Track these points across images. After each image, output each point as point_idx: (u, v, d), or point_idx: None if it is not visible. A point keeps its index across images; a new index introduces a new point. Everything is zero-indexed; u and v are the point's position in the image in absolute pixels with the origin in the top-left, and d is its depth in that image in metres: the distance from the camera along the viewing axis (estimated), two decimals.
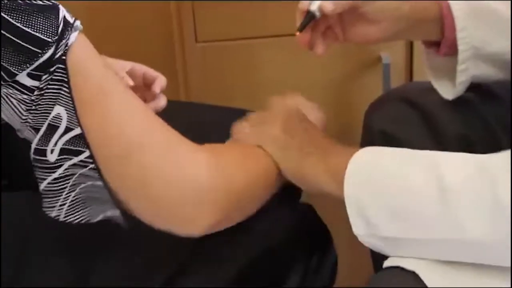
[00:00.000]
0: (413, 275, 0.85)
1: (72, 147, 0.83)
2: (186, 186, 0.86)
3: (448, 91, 1.10)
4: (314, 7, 1.02)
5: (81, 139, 0.83)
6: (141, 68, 1.14)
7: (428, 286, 0.83)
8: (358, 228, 0.88)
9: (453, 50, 1.05)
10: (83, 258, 0.94)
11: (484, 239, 0.79)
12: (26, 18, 0.78)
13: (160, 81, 1.14)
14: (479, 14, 1.03)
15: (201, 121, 1.17)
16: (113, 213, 0.87)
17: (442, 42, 1.06)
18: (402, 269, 0.86)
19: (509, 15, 1.03)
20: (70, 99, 0.81)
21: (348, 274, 1.40)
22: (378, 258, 0.93)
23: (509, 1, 1.03)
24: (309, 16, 1.02)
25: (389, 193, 0.86)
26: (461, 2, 1.03)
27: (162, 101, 1.13)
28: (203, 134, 1.10)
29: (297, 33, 1.03)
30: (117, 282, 0.94)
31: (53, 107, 0.81)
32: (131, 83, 1.09)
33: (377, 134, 1.20)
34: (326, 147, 0.97)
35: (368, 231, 0.88)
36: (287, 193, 1.21)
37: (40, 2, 0.79)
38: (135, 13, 1.65)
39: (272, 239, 1.02)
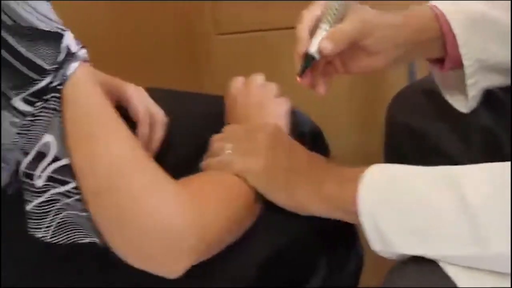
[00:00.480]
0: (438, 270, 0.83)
1: (59, 176, 0.82)
2: (161, 233, 0.84)
3: (462, 104, 1.07)
4: (313, 49, 0.96)
5: (69, 170, 0.82)
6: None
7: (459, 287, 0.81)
8: (376, 245, 0.86)
9: (459, 64, 1.03)
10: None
11: (509, 253, 0.78)
12: (28, 43, 0.77)
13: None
14: (478, 26, 1.01)
15: (221, 114, 1.16)
16: (98, 241, 0.86)
17: (446, 59, 1.03)
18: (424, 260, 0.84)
19: (508, 22, 1.00)
20: (61, 129, 0.80)
21: (373, 271, 1.38)
22: None
23: (507, 7, 1.01)
24: (309, 59, 0.97)
25: (408, 212, 0.83)
26: (459, 16, 1.01)
27: (157, 134, 1.12)
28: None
29: (298, 78, 0.98)
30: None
31: (43, 135, 0.81)
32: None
33: (401, 127, 1.18)
34: (316, 173, 0.93)
35: (387, 249, 0.85)
36: None
37: (45, 28, 0.78)
38: (157, 9, 1.65)
39: (294, 234, 1.01)
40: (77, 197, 0.83)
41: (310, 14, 0.97)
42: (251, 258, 0.98)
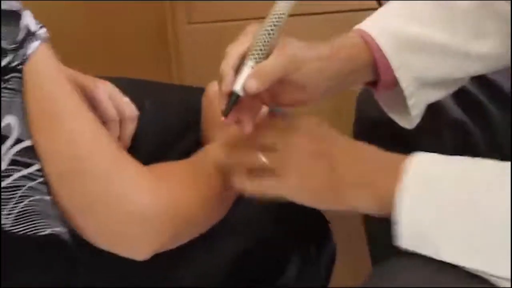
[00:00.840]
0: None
1: (22, 159, 0.81)
2: (128, 213, 0.84)
3: (404, 120, 1.05)
4: (237, 87, 0.90)
5: (32, 151, 0.81)
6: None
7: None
8: (407, 244, 0.82)
9: (393, 85, 1.01)
10: (66, 261, 0.92)
11: None
12: None
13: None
14: (411, 46, 0.99)
15: (193, 105, 1.15)
16: (60, 229, 0.85)
17: (379, 83, 1.01)
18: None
19: (442, 40, 1.00)
20: (22, 110, 0.79)
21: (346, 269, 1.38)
22: (378, 254, 0.90)
23: (435, 22, 1.01)
24: (234, 98, 0.91)
25: (459, 222, 0.79)
26: (390, 39, 0.98)
27: (128, 130, 1.09)
28: (196, 119, 1.09)
29: (223, 119, 0.91)
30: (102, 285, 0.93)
31: (4, 116, 0.79)
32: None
33: (370, 119, 1.18)
34: (365, 170, 0.87)
35: (424, 251, 0.82)
36: None
37: (3, 7, 0.77)
38: None
39: (267, 228, 1.01)
40: (41, 179, 0.82)
41: (235, 50, 0.91)
42: (219, 257, 0.98)
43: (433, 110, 1.08)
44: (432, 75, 1.01)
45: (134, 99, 1.13)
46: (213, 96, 1.07)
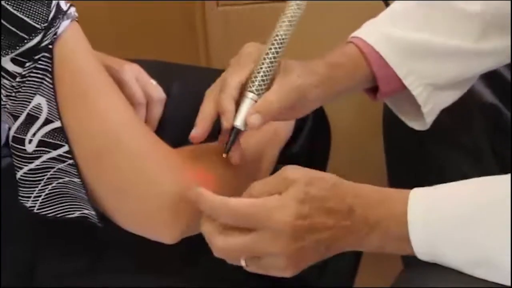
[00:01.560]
0: None
1: (51, 140, 0.81)
2: (160, 194, 0.84)
3: (416, 123, 1.02)
4: (239, 123, 0.87)
5: (61, 132, 0.80)
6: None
7: None
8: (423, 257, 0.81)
9: (394, 93, 0.99)
10: (95, 243, 0.92)
11: None
12: (17, 1, 0.76)
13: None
14: (419, 53, 0.97)
15: None
16: (90, 212, 0.84)
17: (378, 93, 0.99)
18: None
19: (451, 43, 0.98)
20: (52, 90, 0.79)
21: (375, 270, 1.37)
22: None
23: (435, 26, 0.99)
24: (235, 133, 0.87)
25: (469, 243, 0.78)
26: (393, 47, 0.96)
27: (155, 113, 1.09)
28: None
29: (224, 155, 0.88)
30: (125, 271, 0.93)
31: (33, 97, 0.79)
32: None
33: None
34: (370, 218, 0.81)
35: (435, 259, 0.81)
36: (313, 161, 1.20)
37: None
38: None
39: None
40: (71, 161, 0.81)
41: (233, 81, 0.88)
42: None
43: (464, 93, 1.06)
44: (444, 79, 0.99)
45: (161, 82, 1.13)
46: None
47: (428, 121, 1.00)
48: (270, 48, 0.88)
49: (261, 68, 0.87)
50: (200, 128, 0.87)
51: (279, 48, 0.88)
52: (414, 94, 0.97)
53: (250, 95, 0.87)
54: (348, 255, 1.05)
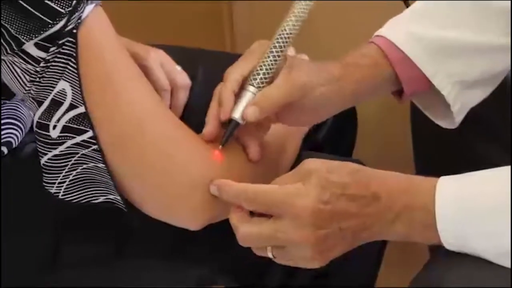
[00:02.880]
0: None
1: (75, 126, 0.80)
2: (186, 180, 0.84)
3: (445, 121, 1.00)
4: (237, 115, 0.85)
5: (85, 118, 0.80)
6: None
7: None
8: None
9: (419, 92, 0.97)
10: (119, 228, 0.92)
11: None
12: None
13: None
14: (447, 51, 0.95)
15: None
16: (115, 197, 0.84)
17: (403, 95, 0.96)
18: None
19: (480, 40, 0.95)
20: (76, 75, 0.78)
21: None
22: None
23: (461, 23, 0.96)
24: (232, 126, 0.86)
25: (500, 234, 0.76)
26: (420, 47, 0.94)
27: (180, 99, 1.09)
28: None
29: (220, 147, 0.86)
30: (151, 256, 0.93)
31: (58, 82, 0.79)
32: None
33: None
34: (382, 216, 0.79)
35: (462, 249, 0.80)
36: (338, 149, 1.19)
37: None
38: None
39: None
40: (95, 147, 0.81)
41: (235, 74, 0.87)
42: None
43: (501, 85, 1.04)
44: (473, 76, 0.96)
45: (186, 68, 1.12)
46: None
47: (457, 120, 0.98)
48: (275, 44, 0.87)
49: (264, 63, 0.86)
50: (210, 126, 0.87)
51: (284, 44, 0.87)
52: (443, 94, 0.95)
53: (250, 88, 0.86)
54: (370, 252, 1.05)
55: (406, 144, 1.35)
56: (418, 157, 1.33)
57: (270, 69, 0.86)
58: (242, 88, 0.87)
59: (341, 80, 0.90)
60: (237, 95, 0.86)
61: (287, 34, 0.87)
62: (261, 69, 0.86)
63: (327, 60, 0.93)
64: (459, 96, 0.96)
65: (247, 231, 0.80)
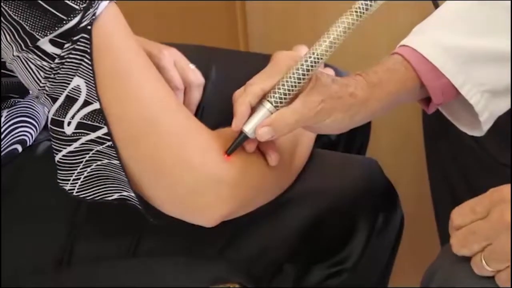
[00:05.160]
0: None
1: (90, 122, 0.80)
2: (200, 177, 0.84)
3: (471, 129, 0.98)
4: (248, 129, 0.84)
5: (100, 114, 0.80)
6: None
7: None
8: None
9: (447, 101, 0.95)
10: (134, 225, 0.92)
11: None
12: None
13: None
14: (476, 60, 0.93)
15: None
16: (129, 194, 0.84)
17: (431, 105, 0.95)
18: None
19: (498, 47, 0.93)
20: (91, 71, 0.78)
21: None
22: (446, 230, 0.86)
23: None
24: (242, 138, 0.85)
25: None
26: (447, 56, 0.92)
27: (194, 98, 1.09)
28: None
29: (225, 156, 0.86)
30: (166, 253, 0.93)
31: (72, 78, 0.79)
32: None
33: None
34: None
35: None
36: (352, 147, 1.19)
37: None
38: None
39: (335, 197, 1.00)
40: (109, 143, 0.81)
41: (256, 87, 0.85)
42: (284, 227, 0.97)
43: None
44: (504, 84, 0.94)
45: (200, 67, 1.12)
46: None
47: (484, 128, 0.96)
48: (302, 64, 0.84)
49: (287, 81, 0.84)
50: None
51: (312, 66, 0.84)
52: (471, 103, 0.93)
53: (267, 105, 0.84)
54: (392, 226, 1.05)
55: (419, 142, 1.34)
56: (430, 154, 1.32)
57: (292, 89, 0.84)
58: (260, 101, 0.85)
59: (365, 103, 0.89)
60: (254, 108, 0.85)
61: (317, 57, 0.84)
62: (282, 87, 0.84)
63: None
64: (487, 105, 0.94)
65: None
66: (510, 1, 0.93)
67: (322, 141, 1.12)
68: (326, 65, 1.10)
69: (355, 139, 1.22)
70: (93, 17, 0.77)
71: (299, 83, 0.84)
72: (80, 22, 0.77)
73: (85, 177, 0.84)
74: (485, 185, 0.81)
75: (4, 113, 0.92)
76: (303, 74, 0.84)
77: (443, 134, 1.24)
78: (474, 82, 0.93)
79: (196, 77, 1.10)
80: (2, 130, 0.90)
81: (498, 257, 0.77)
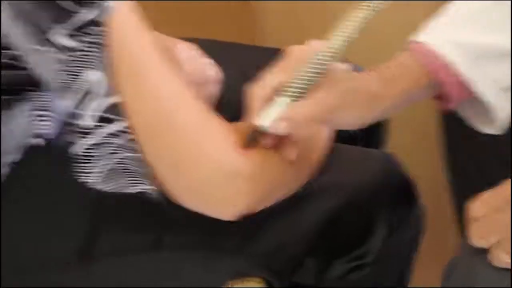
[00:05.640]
0: None
1: (109, 115, 0.80)
2: (219, 171, 0.84)
3: (487, 127, 0.97)
4: (265, 122, 0.84)
5: (119, 107, 0.80)
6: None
7: None
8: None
9: (461, 99, 0.94)
10: (156, 219, 0.92)
11: None
12: None
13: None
14: (491, 57, 0.92)
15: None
16: (150, 187, 0.84)
17: (446, 103, 0.94)
18: None
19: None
20: (107, 65, 0.78)
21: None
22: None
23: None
24: (259, 132, 0.85)
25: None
26: (461, 52, 0.91)
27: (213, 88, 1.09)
28: None
29: (243, 150, 0.86)
30: (187, 247, 0.93)
31: (89, 71, 0.79)
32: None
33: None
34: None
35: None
36: (370, 142, 1.19)
37: None
38: None
39: (355, 191, 1.00)
40: (130, 136, 0.81)
41: (272, 81, 0.85)
42: (302, 222, 0.98)
43: None
44: None
45: (216, 61, 1.12)
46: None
47: (500, 126, 0.95)
48: (319, 58, 0.84)
49: (304, 75, 0.84)
50: None
51: (329, 60, 0.84)
52: (485, 100, 0.93)
53: (284, 99, 0.84)
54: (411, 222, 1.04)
55: (437, 138, 1.34)
56: (447, 150, 1.32)
57: (309, 83, 0.84)
58: (276, 95, 0.85)
59: (377, 99, 0.88)
60: (270, 102, 0.85)
61: (333, 50, 0.84)
62: (299, 81, 0.84)
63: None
64: (501, 102, 0.93)
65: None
66: None
67: (341, 136, 1.11)
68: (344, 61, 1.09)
69: (374, 134, 1.21)
70: (109, 10, 0.77)
71: (316, 76, 0.84)
72: (95, 15, 0.77)
73: (106, 170, 0.84)
74: (502, 179, 0.81)
75: (23, 107, 0.92)
76: (321, 68, 0.84)
77: (459, 130, 1.23)
78: (488, 79, 0.92)
79: (212, 71, 1.10)
80: (21, 123, 0.90)
81: None
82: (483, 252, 0.79)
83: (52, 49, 0.78)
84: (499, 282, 0.78)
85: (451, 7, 0.96)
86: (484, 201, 0.80)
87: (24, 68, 0.85)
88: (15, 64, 0.83)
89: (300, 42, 1.03)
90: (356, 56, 1.17)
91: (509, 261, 0.78)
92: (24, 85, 0.90)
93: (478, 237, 0.79)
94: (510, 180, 0.81)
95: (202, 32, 1.24)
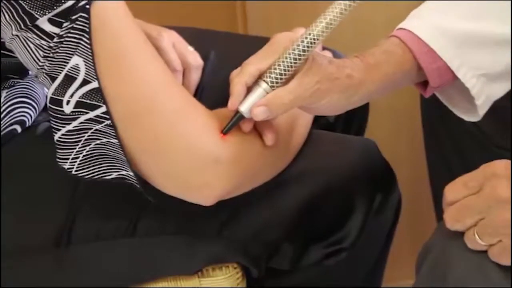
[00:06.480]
0: None
1: (88, 101, 0.81)
2: (198, 156, 0.85)
3: (467, 114, 0.98)
4: (244, 109, 0.85)
5: (98, 93, 0.81)
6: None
7: None
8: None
9: (444, 85, 0.95)
10: (132, 204, 0.93)
11: None
12: None
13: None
14: (471, 44, 0.93)
15: None
16: (128, 173, 0.85)
17: (428, 88, 0.95)
18: None
19: (503, 31, 0.94)
20: (90, 50, 0.79)
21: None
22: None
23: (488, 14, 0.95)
24: (237, 117, 0.85)
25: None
26: (444, 39, 0.92)
27: (192, 79, 1.10)
28: None
29: (221, 135, 0.86)
30: (163, 232, 0.94)
31: (71, 57, 0.80)
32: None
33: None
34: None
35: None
36: (350, 128, 1.20)
37: None
38: None
39: (333, 177, 1.00)
40: (108, 122, 0.82)
41: (252, 67, 0.85)
42: (280, 208, 0.98)
43: None
44: (499, 68, 0.95)
45: (199, 49, 1.13)
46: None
47: (481, 113, 0.97)
48: (298, 45, 0.84)
49: (283, 61, 0.84)
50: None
51: (308, 47, 0.84)
52: (467, 87, 0.94)
53: (263, 85, 0.85)
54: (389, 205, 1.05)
55: (417, 123, 1.35)
56: (427, 136, 1.33)
57: (288, 69, 0.84)
58: (256, 81, 0.86)
59: (362, 83, 0.89)
60: (250, 88, 0.86)
61: (314, 37, 0.84)
62: (278, 67, 0.84)
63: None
64: (483, 89, 0.95)
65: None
66: None
67: (320, 123, 1.12)
68: (324, 48, 1.10)
69: (353, 121, 1.22)
70: None
71: (295, 63, 0.84)
72: (78, 1, 0.78)
73: (84, 155, 0.84)
74: (481, 164, 0.82)
75: (4, 94, 0.92)
76: (299, 55, 0.84)
77: (441, 116, 1.25)
78: (470, 65, 0.93)
79: (194, 59, 1.11)
80: (1, 110, 0.91)
81: (491, 231, 0.77)
82: (458, 235, 0.80)
83: (35, 35, 0.79)
84: (473, 266, 0.79)
85: None
86: (460, 184, 0.80)
87: (7, 56, 0.86)
88: None
89: (286, 30, 1.04)
90: (345, 45, 1.18)
91: (483, 243, 0.79)
92: (6, 73, 0.91)
93: (454, 220, 0.80)
94: (486, 164, 0.81)
95: (186, 21, 1.24)
